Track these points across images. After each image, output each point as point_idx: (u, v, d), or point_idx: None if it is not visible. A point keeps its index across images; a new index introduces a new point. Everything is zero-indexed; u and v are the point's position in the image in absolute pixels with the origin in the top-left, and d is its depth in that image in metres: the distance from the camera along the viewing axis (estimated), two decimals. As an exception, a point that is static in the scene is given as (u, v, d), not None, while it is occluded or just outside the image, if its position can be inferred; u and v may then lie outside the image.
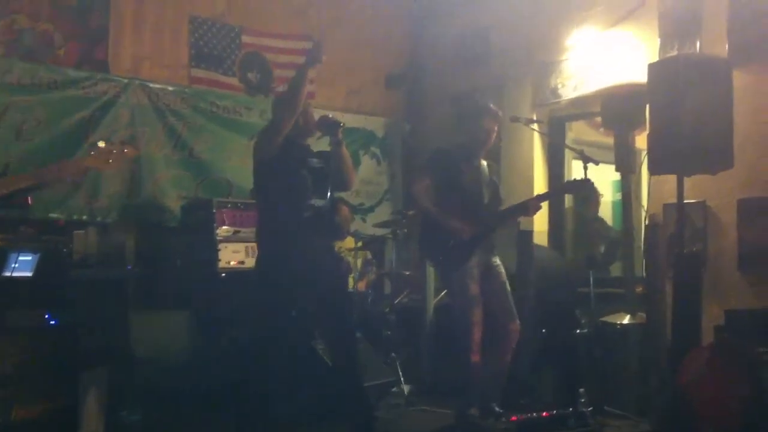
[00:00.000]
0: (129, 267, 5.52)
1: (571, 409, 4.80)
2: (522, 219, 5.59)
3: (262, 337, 4.68)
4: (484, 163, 5.26)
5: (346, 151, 4.74)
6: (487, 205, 5.17)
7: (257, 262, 4.70)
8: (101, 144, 4.48)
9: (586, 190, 5.09)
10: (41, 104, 6.02)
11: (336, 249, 5.70)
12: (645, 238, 5.36)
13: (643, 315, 5.35)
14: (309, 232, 4.44)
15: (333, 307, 4.55)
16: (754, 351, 4.47)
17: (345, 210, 6.43)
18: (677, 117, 4.63)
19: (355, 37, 7.97)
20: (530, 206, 5.12)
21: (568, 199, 6.96)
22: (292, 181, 4.46)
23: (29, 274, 4.71)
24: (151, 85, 6.60)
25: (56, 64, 6.19)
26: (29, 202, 5.11)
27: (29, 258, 4.74)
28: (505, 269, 5.19)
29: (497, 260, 5.15)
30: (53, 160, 5.91)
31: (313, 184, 4.52)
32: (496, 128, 5.21)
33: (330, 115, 4.70)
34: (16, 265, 4.65)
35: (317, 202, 4.53)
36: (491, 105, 5.23)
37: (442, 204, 5.01)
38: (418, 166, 5.24)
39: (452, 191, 5.05)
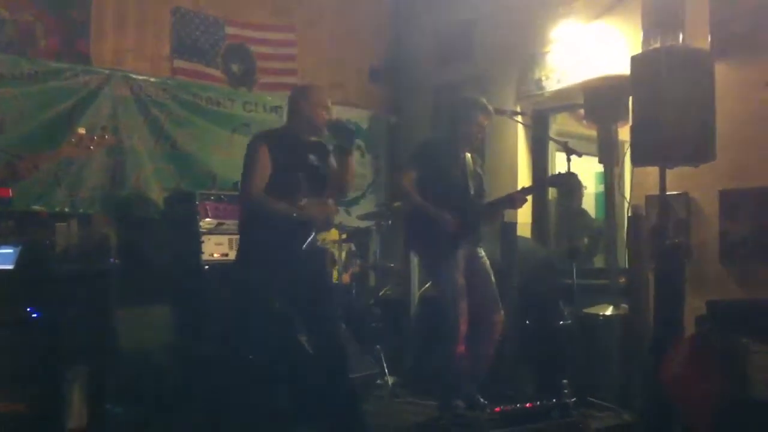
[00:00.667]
0: (111, 260, 5.49)
1: (554, 400, 4.82)
2: (506, 211, 5.61)
3: (245, 329, 4.67)
4: (468, 155, 5.28)
5: (353, 161, 4.69)
6: (473, 197, 5.18)
7: (238, 253, 4.68)
8: (81, 131, 4.48)
9: (570, 183, 5.11)
10: (23, 96, 5.97)
11: (320, 241, 5.68)
12: (627, 229, 5.38)
13: (626, 306, 5.38)
14: (293, 227, 4.40)
15: (317, 299, 4.53)
16: (735, 342, 4.51)
17: (330, 202, 6.42)
18: (660, 109, 4.64)
19: (338, 30, 7.96)
20: (516, 199, 5.15)
21: (551, 191, 6.98)
22: (284, 182, 4.40)
23: (10, 266, 4.68)
24: (134, 76, 6.56)
25: (38, 56, 6.14)
26: (10, 194, 5.09)
27: (10, 251, 4.71)
28: (489, 261, 5.21)
29: (481, 251, 5.17)
30: (35, 152, 5.90)
31: (306, 184, 4.45)
32: (486, 123, 5.24)
33: (345, 121, 4.64)
34: (-3, 258, 4.63)
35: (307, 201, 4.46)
36: (484, 101, 5.25)
37: (428, 196, 5.02)
38: (405, 158, 5.25)
39: (438, 183, 5.06)
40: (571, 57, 6.47)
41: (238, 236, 4.81)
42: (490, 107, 5.22)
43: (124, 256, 5.95)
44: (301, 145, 4.54)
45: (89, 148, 4.75)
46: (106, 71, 6.42)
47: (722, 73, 5.05)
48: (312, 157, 4.53)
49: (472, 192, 5.17)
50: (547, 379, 5.30)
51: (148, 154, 6.61)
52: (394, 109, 8.30)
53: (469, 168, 5.22)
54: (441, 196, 5.01)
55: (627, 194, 5.60)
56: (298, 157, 4.47)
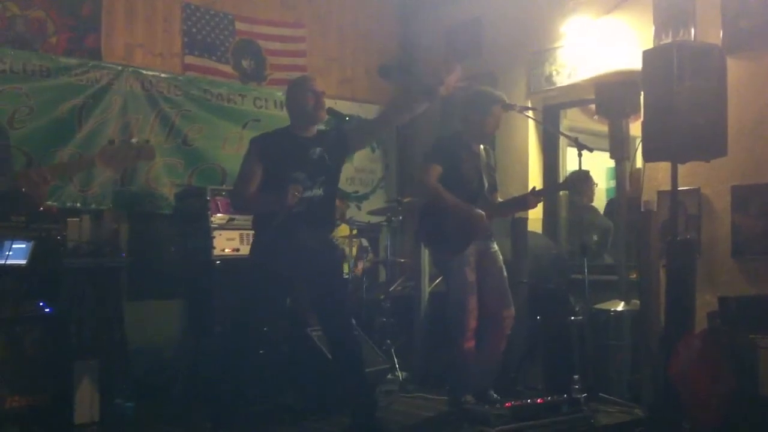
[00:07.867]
0: (123, 255, 5.51)
1: (565, 395, 4.82)
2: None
3: (256, 325, 4.68)
4: (482, 147, 5.26)
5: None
6: (487, 191, 5.17)
7: (251, 250, 4.68)
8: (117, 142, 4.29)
9: (581, 182, 5.10)
10: (33, 92, 5.98)
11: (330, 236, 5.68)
12: (639, 225, 5.36)
13: (637, 302, 5.37)
14: (302, 223, 4.38)
15: (330, 295, 4.52)
16: (746, 337, 4.50)
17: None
18: (671, 104, 4.63)
19: (347, 26, 7.96)
20: (528, 201, 5.14)
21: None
22: (275, 179, 4.38)
23: (23, 262, 4.70)
24: (144, 72, 6.56)
25: (48, 51, 6.15)
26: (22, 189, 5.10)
27: (23, 246, 4.72)
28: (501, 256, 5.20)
29: (495, 246, 5.16)
30: (46, 148, 5.94)
31: (304, 178, 4.42)
32: (501, 115, 5.23)
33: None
34: (10, 253, 4.64)
35: (314, 193, 4.43)
36: (499, 92, 5.24)
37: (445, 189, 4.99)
38: (426, 154, 5.20)
39: (454, 177, 5.03)
40: (582, 52, 6.45)
41: (249, 232, 4.80)
42: (505, 98, 5.21)
43: (135, 251, 5.97)
44: (300, 140, 4.51)
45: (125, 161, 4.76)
46: (117, 67, 6.42)
47: (734, 68, 5.05)
48: (312, 151, 4.49)
49: (486, 185, 5.15)
50: (557, 375, 5.30)
51: (159, 149, 6.57)
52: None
53: (483, 161, 5.21)
54: (456, 189, 4.97)
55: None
56: (293, 153, 4.44)
